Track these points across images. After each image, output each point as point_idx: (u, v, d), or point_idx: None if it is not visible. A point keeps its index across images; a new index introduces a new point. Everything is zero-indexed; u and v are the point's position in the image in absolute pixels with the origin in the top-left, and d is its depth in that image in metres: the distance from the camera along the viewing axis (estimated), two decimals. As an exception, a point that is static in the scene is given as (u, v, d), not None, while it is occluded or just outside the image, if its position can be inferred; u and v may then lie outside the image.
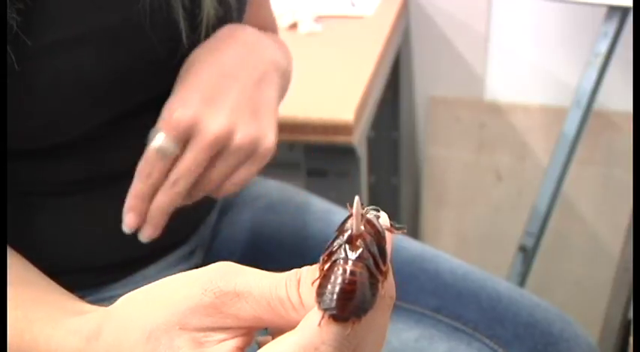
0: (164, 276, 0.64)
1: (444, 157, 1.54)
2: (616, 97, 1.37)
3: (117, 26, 0.50)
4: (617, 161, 1.44)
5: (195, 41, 0.54)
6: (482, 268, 0.66)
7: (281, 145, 0.58)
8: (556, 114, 1.42)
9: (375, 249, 0.30)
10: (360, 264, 0.29)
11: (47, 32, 0.47)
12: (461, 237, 1.61)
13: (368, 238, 0.29)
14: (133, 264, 0.63)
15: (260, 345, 0.35)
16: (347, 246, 0.29)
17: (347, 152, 0.93)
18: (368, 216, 0.30)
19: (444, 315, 0.61)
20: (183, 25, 0.52)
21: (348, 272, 0.29)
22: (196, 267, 0.69)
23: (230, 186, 0.53)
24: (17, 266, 0.48)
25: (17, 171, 0.53)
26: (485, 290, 0.61)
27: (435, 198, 1.58)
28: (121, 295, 0.61)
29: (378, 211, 0.31)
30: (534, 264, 1.27)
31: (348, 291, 0.28)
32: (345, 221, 0.30)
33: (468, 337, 0.59)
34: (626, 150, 1.41)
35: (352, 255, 0.29)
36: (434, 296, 0.62)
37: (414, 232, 1.60)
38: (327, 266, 0.29)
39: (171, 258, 0.66)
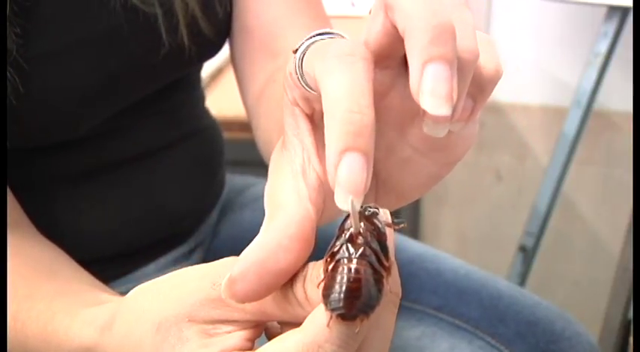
0: (163, 275, 0.65)
1: (443, 157, 1.54)
2: (616, 97, 1.38)
3: (102, 34, 0.52)
4: (617, 161, 1.44)
5: (174, 38, 0.55)
6: (482, 268, 0.66)
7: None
8: (556, 114, 1.42)
9: (376, 246, 0.30)
10: (364, 262, 0.29)
11: (39, 46, 0.49)
12: (461, 236, 1.62)
13: (368, 235, 0.30)
14: (134, 258, 0.63)
15: (267, 331, 0.35)
16: (348, 245, 0.29)
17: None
18: (366, 213, 0.30)
19: (445, 313, 0.61)
20: (161, 21, 0.53)
21: (352, 270, 0.29)
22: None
23: None
24: (47, 257, 0.49)
25: (22, 162, 0.55)
26: (486, 289, 0.61)
27: (435, 197, 1.58)
28: (119, 293, 0.62)
29: (377, 208, 0.31)
30: (534, 264, 1.27)
31: (353, 289, 0.28)
32: (345, 220, 0.31)
33: (469, 335, 0.59)
34: (626, 150, 1.41)
35: (354, 254, 0.29)
36: (435, 295, 0.62)
37: (414, 232, 1.60)
38: (330, 266, 0.29)
39: (171, 256, 0.66)
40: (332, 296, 0.29)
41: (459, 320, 0.60)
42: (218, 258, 0.70)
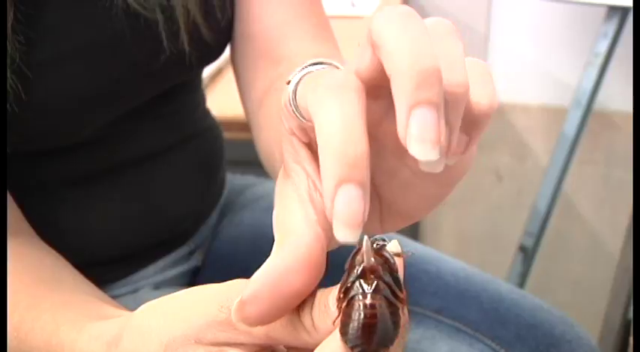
0: (162, 277, 0.66)
1: (443, 157, 1.54)
2: (616, 97, 1.38)
3: (104, 40, 0.52)
4: (617, 161, 1.44)
5: (175, 44, 0.55)
6: (482, 268, 0.66)
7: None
8: (556, 114, 1.42)
9: (388, 278, 0.30)
10: (378, 296, 0.29)
11: (42, 53, 0.49)
12: (461, 237, 1.62)
13: (380, 269, 0.30)
14: (134, 261, 0.64)
15: None
16: (361, 281, 0.30)
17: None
18: (374, 246, 0.31)
19: (445, 316, 0.61)
20: (162, 27, 0.53)
21: (367, 306, 0.29)
22: (195, 269, 0.69)
23: None
24: (49, 266, 0.49)
25: (23, 166, 0.55)
26: (487, 292, 0.61)
27: (434, 198, 1.58)
28: (119, 296, 0.62)
29: (384, 239, 0.31)
30: (534, 264, 1.27)
31: (370, 325, 0.29)
32: (354, 256, 0.31)
33: (469, 338, 0.59)
34: (626, 150, 1.41)
35: (368, 289, 0.29)
36: (435, 297, 0.62)
37: (414, 232, 1.60)
38: (344, 304, 0.30)
39: (170, 258, 0.66)
40: (350, 333, 0.29)
41: (459, 322, 0.60)
42: (218, 260, 0.70)
